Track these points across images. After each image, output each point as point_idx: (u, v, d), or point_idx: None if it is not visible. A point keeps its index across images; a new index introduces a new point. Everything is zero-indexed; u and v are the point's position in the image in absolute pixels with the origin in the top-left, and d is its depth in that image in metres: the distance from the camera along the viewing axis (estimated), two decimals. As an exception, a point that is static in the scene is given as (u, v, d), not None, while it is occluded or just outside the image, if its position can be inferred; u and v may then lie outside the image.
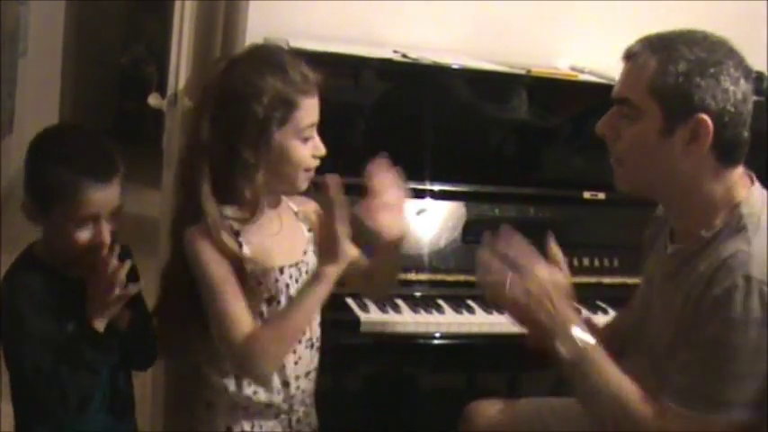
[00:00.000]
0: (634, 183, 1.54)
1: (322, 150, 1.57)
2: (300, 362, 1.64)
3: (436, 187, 2.19)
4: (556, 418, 1.86)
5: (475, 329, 2.06)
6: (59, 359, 1.49)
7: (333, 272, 1.48)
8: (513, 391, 2.41)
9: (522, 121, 2.39)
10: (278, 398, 1.63)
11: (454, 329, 2.05)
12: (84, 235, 1.51)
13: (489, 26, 2.51)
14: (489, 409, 1.95)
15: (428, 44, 2.41)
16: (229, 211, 1.55)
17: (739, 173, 1.49)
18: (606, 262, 2.25)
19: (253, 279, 1.55)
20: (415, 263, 2.12)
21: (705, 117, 1.40)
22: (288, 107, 1.50)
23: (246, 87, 1.49)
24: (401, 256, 1.75)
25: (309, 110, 1.53)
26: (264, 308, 1.57)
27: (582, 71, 2.51)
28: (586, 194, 2.35)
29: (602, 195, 2.36)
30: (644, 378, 1.49)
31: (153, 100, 2.30)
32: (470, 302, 2.10)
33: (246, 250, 1.54)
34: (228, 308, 1.50)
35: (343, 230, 1.46)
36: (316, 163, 1.57)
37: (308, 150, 1.55)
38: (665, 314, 1.53)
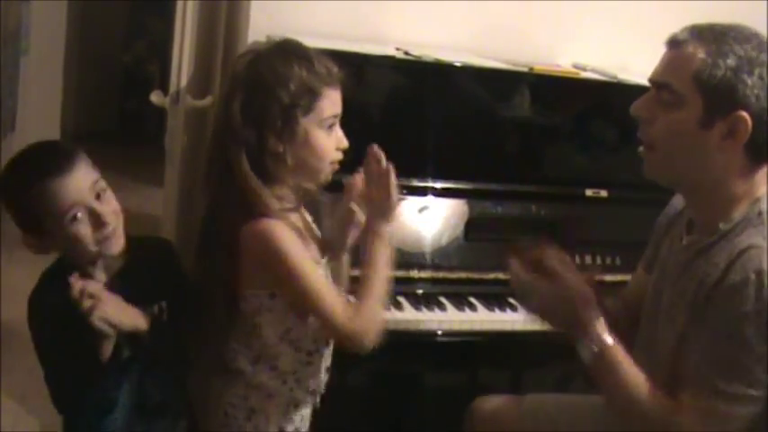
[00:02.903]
0: (663, 170, 1.55)
1: (345, 143, 1.59)
2: (333, 345, 1.67)
3: (438, 185, 2.20)
4: (561, 414, 1.86)
5: (477, 327, 2.06)
6: (75, 367, 1.50)
7: (387, 229, 1.58)
8: (516, 388, 2.41)
9: (525, 119, 2.39)
10: (321, 384, 1.66)
11: (456, 327, 2.06)
12: (84, 228, 1.49)
13: (492, 23, 2.51)
14: (495, 404, 1.96)
15: (431, 42, 2.41)
16: (275, 203, 1.54)
17: (763, 170, 1.51)
18: (608, 260, 2.25)
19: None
20: (418, 260, 2.12)
21: (745, 114, 1.42)
22: (312, 96, 1.52)
23: (273, 75, 1.51)
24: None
25: (333, 100, 1.56)
26: None
27: (584, 68, 2.51)
28: (588, 192, 2.35)
29: (604, 193, 2.36)
30: (653, 369, 1.50)
31: (155, 98, 2.31)
32: (472, 300, 2.10)
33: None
34: (327, 292, 1.52)
35: (394, 190, 1.57)
36: (340, 156, 1.59)
37: (332, 142, 1.57)
38: (675, 305, 1.54)
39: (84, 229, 1.49)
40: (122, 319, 1.49)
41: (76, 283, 1.45)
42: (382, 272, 1.57)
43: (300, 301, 1.53)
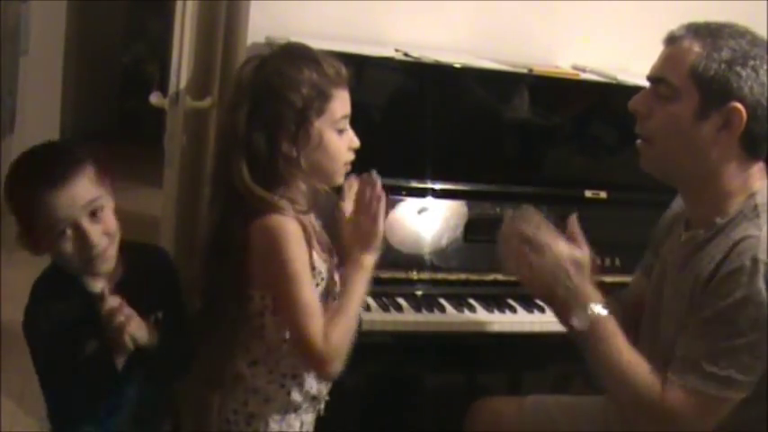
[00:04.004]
0: (659, 163, 1.57)
1: (356, 143, 1.59)
2: None
3: (438, 186, 2.19)
4: (563, 415, 1.87)
5: (476, 328, 2.06)
6: (75, 376, 1.48)
7: (371, 261, 1.55)
8: (516, 389, 2.41)
9: (524, 120, 2.38)
10: (324, 390, 1.65)
11: (456, 328, 2.05)
12: (68, 245, 1.46)
13: (491, 25, 2.51)
14: (495, 406, 1.97)
15: (430, 43, 2.40)
16: (283, 204, 1.53)
17: (759, 165, 1.53)
18: (607, 261, 2.25)
19: (318, 274, 1.57)
20: (417, 262, 2.11)
21: (740, 106, 1.45)
22: (323, 98, 1.52)
23: (283, 79, 1.51)
24: None
25: (343, 101, 1.56)
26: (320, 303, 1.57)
27: (583, 70, 2.51)
28: (588, 193, 2.35)
29: (603, 194, 2.36)
30: (656, 364, 1.50)
31: (155, 99, 2.30)
32: (472, 301, 2.10)
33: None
34: (310, 307, 1.48)
35: (380, 221, 1.54)
36: (352, 156, 1.59)
37: (345, 143, 1.57)
38: (675, 300, 1.55)
39: (70, 248, 1.46)
40: (144, 335, 1.49)
41: (112, 300, 1.45)
42: (357, 302, 1.54)
43: (283, 304, 1.51)
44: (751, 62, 1.45)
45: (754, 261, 1.40)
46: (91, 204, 1.47)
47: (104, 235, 1.49)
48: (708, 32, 1.49)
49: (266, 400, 1.60)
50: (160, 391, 1.66)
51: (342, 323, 1.50)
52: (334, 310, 1.53)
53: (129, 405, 1.60)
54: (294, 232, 1.49)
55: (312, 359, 1.51)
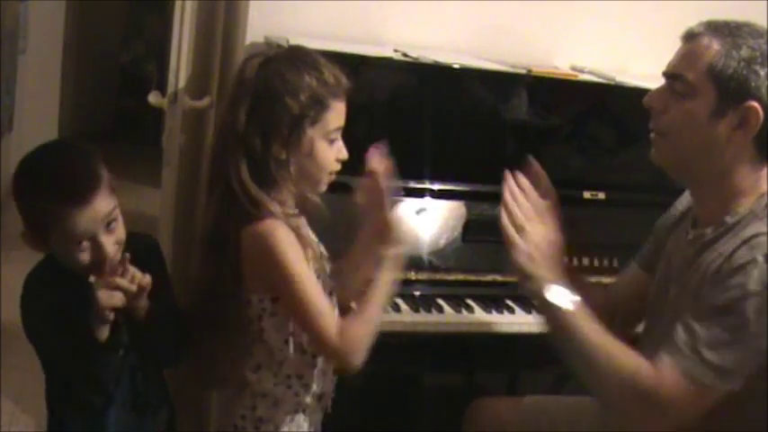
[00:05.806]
0: (672, 158, 1.57)
1: (344, 154, 1.58)
2: None
3: (436, 186, 2.19)
4: (561, 415, 1.87)
5: (474, 329, 2.06)
6: (69, 364, 1.50)
7: (393, 253, 1.56)
8: (514, 390, 2.42)
9: (523, 121, 2.38)
10: (330, 388, 1.66)
11: (453, 329, 2.05)
12: (84, 255, 1.49)
13: (490, 25, 2.51)
14: (494, 406, 1.96)
15: (429, 43, 2.40)
16: (276, 207, 1.53)
17: None
18: (606, 262, 2.25)
19: (315, 275, 1.57)
20: (415, 262, 2.11)
21: (757, 105, 1.45)
22: (320, 107, 1.52)
23: (283, 84, 1.51)
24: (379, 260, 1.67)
25: (339, 113, 1.55)
26: None
27: (582, 71, 2.51)
28: (586, 194, 2.35)
29: (602, 195, 2.35)
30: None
31: (153, 98, 2.30)
32: (470, 302, 2.10)
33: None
34: (320, 303, 1.49)
35: (394, 215, 1.57)
36: (338, 167, 1.59)
37: (333, 153, 1.57)
38: (681, 298, 1.54)
39: (85, 257, 1.49)
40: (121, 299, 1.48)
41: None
42: (379, 297, 1.55)
43: (291, 306, 1.52)
44: None
45: (767, 258, 1.39)
46: (108, 217, 1.50)
47: (115, 244, 1.52)
48: (728, 31, 1.49)
49: (275, 404, 1.59)
50: (154, 377, 1.66)
51: (360, 318, 1.52)
52: (357, 303, 1.55)
53: (126, 394, 1.60)
54: (286, 235, 1.50)
55: (329, 355, 1.54)
